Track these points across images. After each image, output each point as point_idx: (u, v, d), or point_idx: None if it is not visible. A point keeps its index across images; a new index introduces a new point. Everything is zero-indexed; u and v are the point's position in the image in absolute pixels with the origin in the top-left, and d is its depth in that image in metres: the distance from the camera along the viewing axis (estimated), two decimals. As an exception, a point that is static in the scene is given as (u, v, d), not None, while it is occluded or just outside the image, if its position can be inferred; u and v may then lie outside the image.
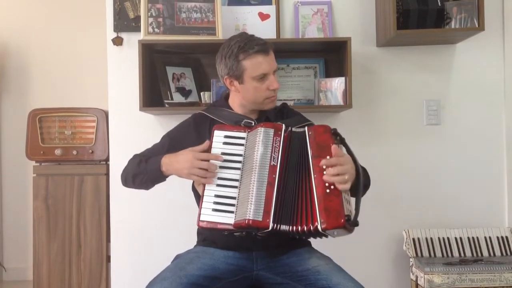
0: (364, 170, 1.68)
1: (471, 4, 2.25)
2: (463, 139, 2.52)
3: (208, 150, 1.62)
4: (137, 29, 2.42)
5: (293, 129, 1.58)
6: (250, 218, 1.47)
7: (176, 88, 2.41)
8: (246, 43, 1.68)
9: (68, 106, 3.05)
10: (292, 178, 1.52)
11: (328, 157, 1.49)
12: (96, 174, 2.90)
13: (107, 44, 2.51)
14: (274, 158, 1.53)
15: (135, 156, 1.81)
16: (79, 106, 3.05)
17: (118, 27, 2.49)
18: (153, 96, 2.39)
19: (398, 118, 2.52)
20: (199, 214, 1.56)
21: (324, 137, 1.54)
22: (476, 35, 2.34)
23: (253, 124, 1.66)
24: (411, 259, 2.33)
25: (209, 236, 1.73)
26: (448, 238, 2.40)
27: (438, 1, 2.28)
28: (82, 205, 2.89)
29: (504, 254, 2.37)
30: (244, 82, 1.71)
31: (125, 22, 2.49)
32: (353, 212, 1.49)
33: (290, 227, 1.48)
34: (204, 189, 1.59)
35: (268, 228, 1.47)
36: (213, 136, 1.64)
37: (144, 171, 1.71)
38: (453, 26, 2.28)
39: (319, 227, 1.44)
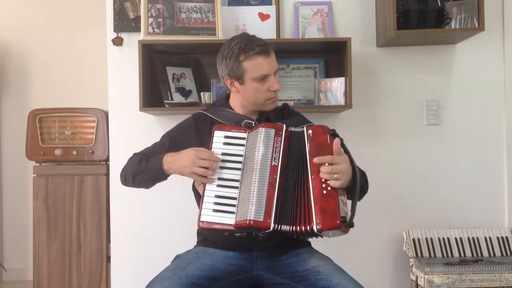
0: (363, 173, 1.69)
1: (471, 4, 2.25)
2: (463, 139, 2.52)
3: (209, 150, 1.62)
4: (137, 29, 2.42)
5: (292, 129, 1.58)
6: (251, 218, 1.47)
7: (176, 88, 2.41)
8: (247, 44, 1.68)
9: (68, 106, 3.05)
10: (291, 178, 1.53)
11: (327, 156, 1.50)
12: (96, 174, 2.90)
13: (107, 44, 2.51)
14: (275, 158, 1.53)
15: (135, 154, 1.81)
16: (79, 106, 3.05)
17: (118, 27, 2.49)
18: (153, 96, 2.39)
19: (398, 118, 2.52)
20: (200, 215, 1.56)
21: (322, 138, 1.54)
22: (476, 35, 2.34)
23: (253, 124, 1.67)
24: (411, 259, 2.33)
25: (209, 236, 1.73)
26: (448, 238, 2.40)
27: (438, 1, 2.28)
28: (82, 205, 2.89)
29: (504, 254, 2.37)
30: (245, 83, 1.71)
31: (125, 22, 2.49)
32: (349, 213, 1.49)
33: (290, 227, 1.48)
34: (204, 190, 1.59)
35: (269, 228, 1.47)
36: (213, 136, 1.64)
37: (145, 170, 1.71)
38: (453, 26, 2.28)
39: (314, 228, 1.44)
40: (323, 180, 1.48)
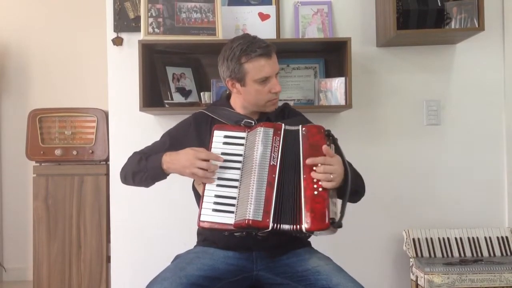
0: (358, 176, 1.70)
1: (471, 4, 2.25)
2: (463, 139, 2.52)
3: (208, 150, 1.62)
4: (137, 29, 2.42)
5: (288, 127, 1.58)
6: (250, 218, 1.47)
7: (176, 88, 2.41)
8: (249, 46, 1.67)
9: (68, 106, 3.05)
10: (288, 178, 1.53)
11: (319, 157, 1.51)
12: (96, 174, 2.90)
13: (107, 44, 2.51)
14: (273, 158, 1.53)
15: (135, 153, 1.81)
16: (79, 106, 3.05)
17: (118, 27, 2.49)
18: (153, 96, 2.38)
19: (398, 118, 2.52)
20: (199, 215, 1.56)
21: (317, 138, 1.55)
22: (476, 35, 2.34)
23: (253, 124, 1.67)
24: (411, 259, 2.33)
25: (209, 236, 1.73)
26: (448, 238, 2.40)
27: (438, 1, 2.28)
28: (82, 205, 2.89)
29: (504, 254, 2.37)
30: (246, 85, 1.70)
31: (125, 22, 2.49)
32: (338, 214, 1.50)
33: (289, 226, 1.48)
34: (204, 189, 1.59)
35: (268, 228, 1.47)
36: (213, 136, 1.64)
37: (145, 169, 1.71)
38: (453, 26, 2.28)
39: (303, 227, 1.46)
40: (315, 180, 1.49)
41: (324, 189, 1.48)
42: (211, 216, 1.55)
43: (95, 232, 2.88)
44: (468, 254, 2.36)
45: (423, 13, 2.28)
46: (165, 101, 2.35)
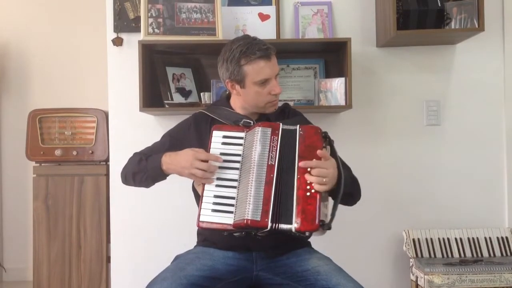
0: (353, 179, 1.70)
1: (471, 5, 2.25)
2: (463, 139, 2.52)
3: (207, 151, 1.62)
4: (137, 29, 2.42)
5: (285, 126, 1.58)
6: (249, 218, 1.47)
7: (176, 89, 2.41)
8: (248, 48, 1.67)
9: (68, 107, 3.05)
10: (284, 177, 1.53)
11: (314, 160, 1.51)
12: (96, 175, 2.90)
13: (107, 44, 2.51)
14: (271, 157, 1.54)
15: (135, 154, 1.81)
16: (79, 106, 3.06)
17: (118, 28, 2.49)
18: (153, 96, 2.38)
19: (398, 119, 2.52)
20: (199, 215, 1.56)
21: (313, 139, 1.55)
22: (476, 35, 2.34)
23: (251, 124, 1.67)
24: (411, 260, 2.33)
25: (209, 236, 1.73)
26: (448, 239, 2.40)
27: (438, 1, 2.28)
28: (82, 206, 2.89)
29: (504, 254, 2.37)
30: (246, 87, 1.70)
31: (125, 22, 2.49)
32: (329, 217, 1.51)
33: (287, 226, 1.48)
34: (203, 190, 1.59)
35: (267, 227, 1.47)
36: (211, 136, 1.64)
37: (145, 169, 1.71)
38: (453, 27, 2.28)
39: (292, 227, 1.46)
40: (308, 181, 1.49)
41: (316, 190, 1.48)
42: (210, 216, 1.55)
43: (95, 232, 2.88)
44: (468, 254, 2.36)
45: (423, 13, 2.28)
46: (165, 102, 2.35)
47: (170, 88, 2.40)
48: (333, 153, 1.58)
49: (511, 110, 2.51)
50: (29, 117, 2.99)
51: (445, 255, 2.36)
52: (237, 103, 1.79)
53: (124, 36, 2.50)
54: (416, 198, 2.51)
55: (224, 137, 1.64)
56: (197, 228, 1.70)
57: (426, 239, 2.39)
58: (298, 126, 1.58)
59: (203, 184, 1.60)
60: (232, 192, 1.57)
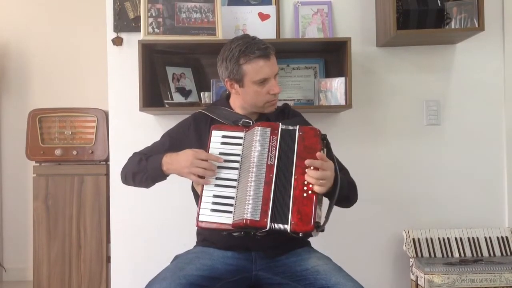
0: (350, 182, 1.71)
1: (471, 4, 2.25)
2: (463, 139, 2.52)
3: (206, 150, 1.62)
4: (137, 29, 2.42)
5: (285, 126, 1.58)
6: (248, 218, 1.47)
7: (176, 88, 2.41)
8: (247, 47, 1.67)
9: (68, 106, 3.05)
10: (283, 177, 1.53)
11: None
12: (96, 175, 2.90)
13: (107, 44, 2.51)
14: (271, 157, 1.54)
15: (135, 154, 1.81)
16: (79, 106, 3.05)
17: (118, 27, 2.49)
18: (153, 96, 2.38)
19: (398, 118, 2.52)
20: (198, 215, 1.57)
21: (313, 141, 1.55)
22: (476, 35, 2.34)
23: (251, 124, 1.67)
24: (411, 259, 2.33)
25: (208, 236, 1.73)
26: (448, 238, 2.40)
27: (438, 1, 2.28)
28: (82, 206, 2.89)
29: (504, 254, 2.37)
30: (245, 86, 1.71)
31: (125, 22, 2.49)
32: (323, 219, 1.52)
33: (283, 226, 1.48)
34: (202, 189, 1.59)
35: (266, 227, 1.47)
36: (211, 136, 1.64)
37: (145, 170, 1.72)
38: (453, 26, 2.28)
39: (288, 228, 1.46)
40: (305, 182, 1.49)
41: (313, 192, 1.48)
42: (209, 216, 1.55)
43: (95, 232, 2.88)
44: (468, 254, 2.36)
45: (423, 13, 2.28)
46: (165, 101, 2.35)
47: (170, 87, 2.40)
48: (330, 156, 1.58)
49: (511, 110, 2.51)
50: (29, 117, 2.99)
51: (445, 255, 2.36)
52: (237, 103, 1.79)
53: (124, 36, 2.50)
54: (416, 198, 2.51)
55: (224, 136, 1.64)
56: (196, 227, 1.70)
57: (426, 239, 2.39)
58: (297, 126, 1.58)
59: (202, 184, 1.60)
60: (231, 192, 1.57)
